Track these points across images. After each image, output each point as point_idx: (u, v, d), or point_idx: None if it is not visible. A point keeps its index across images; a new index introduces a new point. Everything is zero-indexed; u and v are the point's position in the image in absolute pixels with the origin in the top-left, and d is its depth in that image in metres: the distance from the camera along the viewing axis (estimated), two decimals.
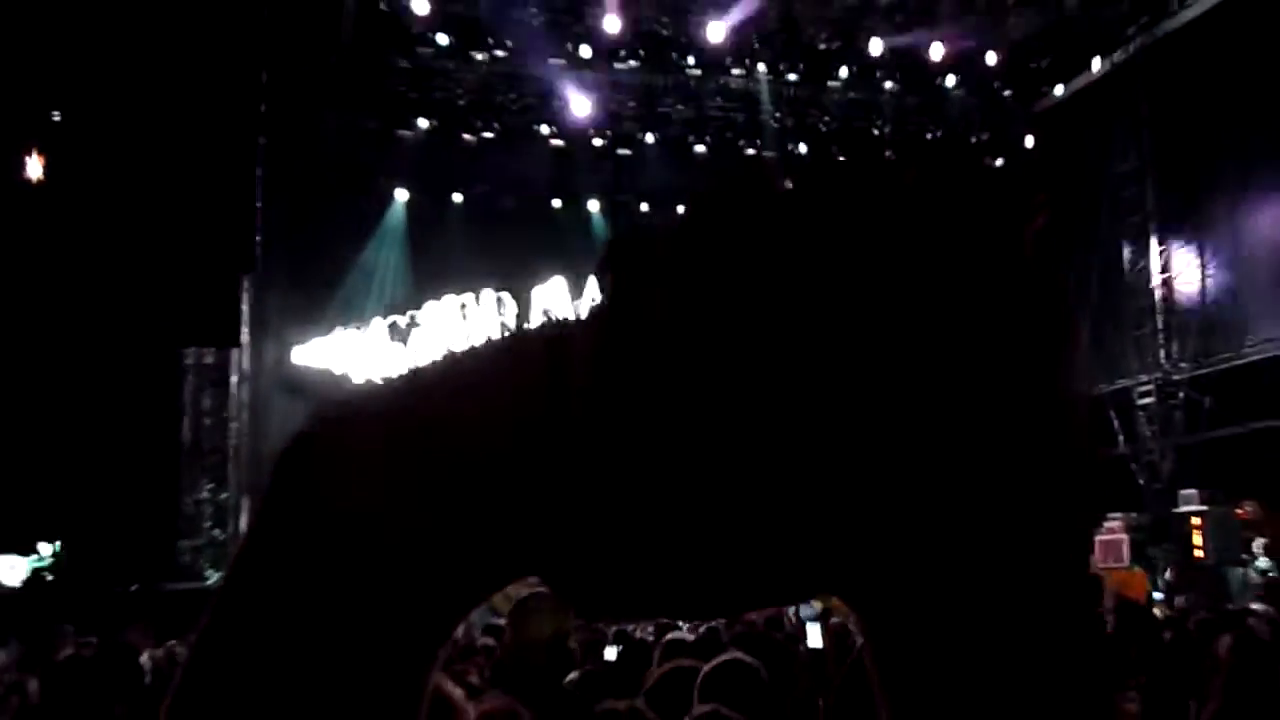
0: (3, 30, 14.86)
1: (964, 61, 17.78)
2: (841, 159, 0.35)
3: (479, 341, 0.38)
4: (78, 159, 15.76)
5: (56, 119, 15.99)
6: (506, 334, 0.37)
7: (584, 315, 0.35)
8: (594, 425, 0.33)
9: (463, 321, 16.16)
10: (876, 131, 18.71)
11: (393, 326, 16.24)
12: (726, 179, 0.35)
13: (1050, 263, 0.35)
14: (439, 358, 0.38)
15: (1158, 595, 12.29)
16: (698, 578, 0.34)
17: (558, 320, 0.36)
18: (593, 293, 0.37)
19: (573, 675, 4.25)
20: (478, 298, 16.05)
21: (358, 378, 16.31)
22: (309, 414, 0.40)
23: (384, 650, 0.37)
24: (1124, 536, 16.00)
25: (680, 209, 0.35)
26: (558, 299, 16.37)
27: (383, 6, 16.15)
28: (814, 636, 7.19)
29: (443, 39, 16.50)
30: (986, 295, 0.33)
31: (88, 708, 4.02)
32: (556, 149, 17.94)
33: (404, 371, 0.38)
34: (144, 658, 6.14)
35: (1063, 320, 0.36)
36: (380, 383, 0.39)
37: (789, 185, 0.35)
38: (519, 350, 0.36)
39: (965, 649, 0.34)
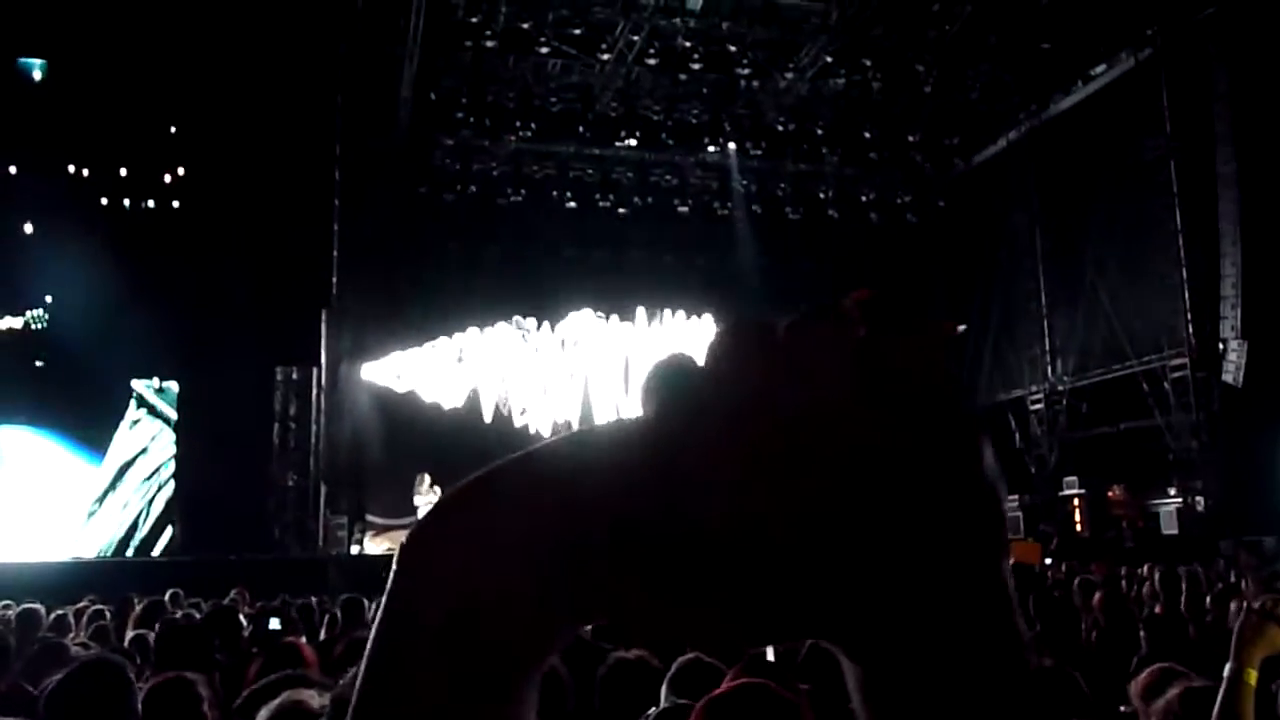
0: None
1: (890, 139, 17.88)
2: (810, 314, 0.37)
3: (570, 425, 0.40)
4: (203, 221, 15.85)
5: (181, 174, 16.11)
6: (592, 434, 0.37)
7: (645, 424, 0.36)
8: (662, 506, 0.35)
9: (504, 344, 16.20)
10: (822, 195, 18.80)
11: (444, 350, 16.25)
12: (735, 327, 0.37)
13: (959, 388, 0.38)
14: (549, 443, 0.38)
15: (1048, 560, 12.31)
16: (728, 621, 0.35)
17: (629, 426, 0.37)
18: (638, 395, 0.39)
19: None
20: (512, 325, 16.10)
21: (415, 390, 16.36)
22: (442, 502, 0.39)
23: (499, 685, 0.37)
24: (1019, 514, 16.07)
25: (706, 346, 0.37)
26: (581, 325, 16.38)
27: (431, 96, 16.22)
28: None
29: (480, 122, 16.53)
30: (919, 418, 0.36)
31: (197, 655, 4.03)
32: (570, 210, 17.97)
33: (516, 457, 0.38)
34: (241, 615, 6.14)
35: (972, 429, 0.38)
36: (495, 468, 0.38)
37: (779, 335, 0.36)
38: (607, 450, 0.36)
39: (927, 659, 0.35)
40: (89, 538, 15.63)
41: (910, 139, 17.90)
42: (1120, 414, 16.02)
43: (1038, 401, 18.00)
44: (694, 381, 0.36)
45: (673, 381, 0.36)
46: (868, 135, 17.64)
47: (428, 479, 15.63)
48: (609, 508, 0.35)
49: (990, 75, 16.35)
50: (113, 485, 15.92)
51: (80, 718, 2.49)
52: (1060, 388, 17.71)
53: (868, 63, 15.80)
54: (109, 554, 15.46)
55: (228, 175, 15.72)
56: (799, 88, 16.51)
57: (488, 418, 16.34)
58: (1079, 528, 15.64)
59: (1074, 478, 16.28)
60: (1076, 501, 15.89)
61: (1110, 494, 15.93)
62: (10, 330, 15.50)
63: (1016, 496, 16.45)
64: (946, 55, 15.71)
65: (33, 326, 15.33)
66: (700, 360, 0.37)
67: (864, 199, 19.02)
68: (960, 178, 19.37)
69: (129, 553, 15.59)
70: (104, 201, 16.13)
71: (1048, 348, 18.05)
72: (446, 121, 16.57)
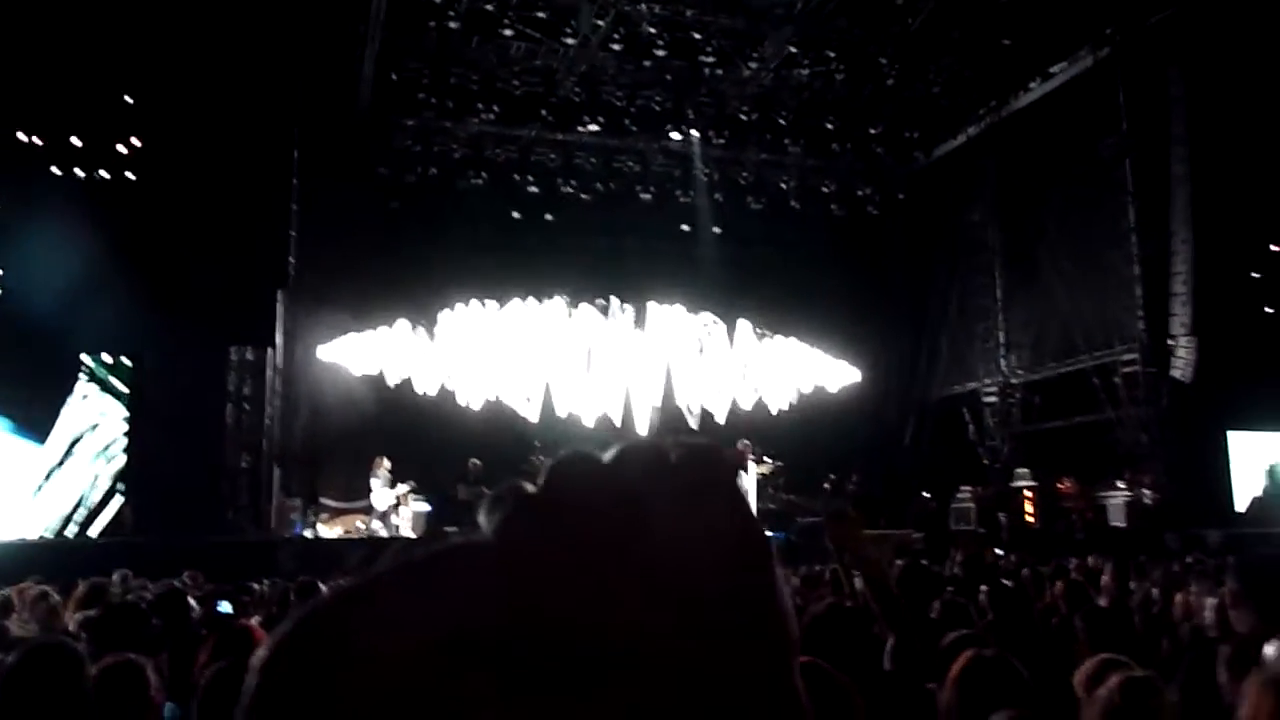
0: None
1: (852, 131, 17.96)
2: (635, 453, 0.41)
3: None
4: (158, 195, 15.57)
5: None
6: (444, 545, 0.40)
7: (488, 535, 0.39)
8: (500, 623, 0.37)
9: (461, 326, 16.10)
10: (784, 185, 18.85)
11: (400, 333, 16.11)
12: (571, 461, 0.41)
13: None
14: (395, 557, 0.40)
15: (999, 551, 12.48)
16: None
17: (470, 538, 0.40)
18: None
19: None
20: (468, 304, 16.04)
21: (371, 372, 16.20)
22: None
23: None
24: (971, 505, 16.29)
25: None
26: (539, 308, 16.33)
27: (393, 76, 16.05)
28: None
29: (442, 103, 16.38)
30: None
31: (140, 637, 3.95)
32: (532, 194, 17.86)
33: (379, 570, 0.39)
34: (190, 598, 6.07)
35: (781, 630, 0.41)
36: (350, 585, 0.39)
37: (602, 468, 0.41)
38: (455, 560, 0.39)
39: None
40: (35, 515, 15.33)
41: (872, 131, 18.00)
42: (1072, 408, 16.27)
43: (991, 394, 18.23)
44: (536, 503, 0.40)
45: (517, 501, 0.41)
46: (830, 126, 17.71)
47: (386, 463, 15.49)
48: (476, 618, 0.37)
49: (952, 70, 16.47)
50: (60, 461, 15.60)
51: (31, 701, 2.45)
52: (1014, 381, 17.95)
53: (831, 54, 15.86)
54: (55, 532, 15.18)
55: (184, 149, 15.43)
56: (762, 77, 16.52)
57: (444, 402, 16.20)
58: (1030, 519, 15.87)
59: (1025, 470, 16.52)
60: (1028, 493, 16.12)
61: (1060, 486, 16.18)
62: None
63: (970, 488, 16.66)
64: (909, 49, 15.80)
65: None
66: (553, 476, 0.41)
67: (825, 190, 19.11)
68: (921, 171, 19.53)
69: (75, 532, 15.31)
70: (56, 171, 15.76)
71: (1003, 341, 18.28)
72: (408, 102, 16.41)
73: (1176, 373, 14.76)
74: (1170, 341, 14.87)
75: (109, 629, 3.69)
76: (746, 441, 16.59)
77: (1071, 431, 16.29)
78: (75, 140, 15.80)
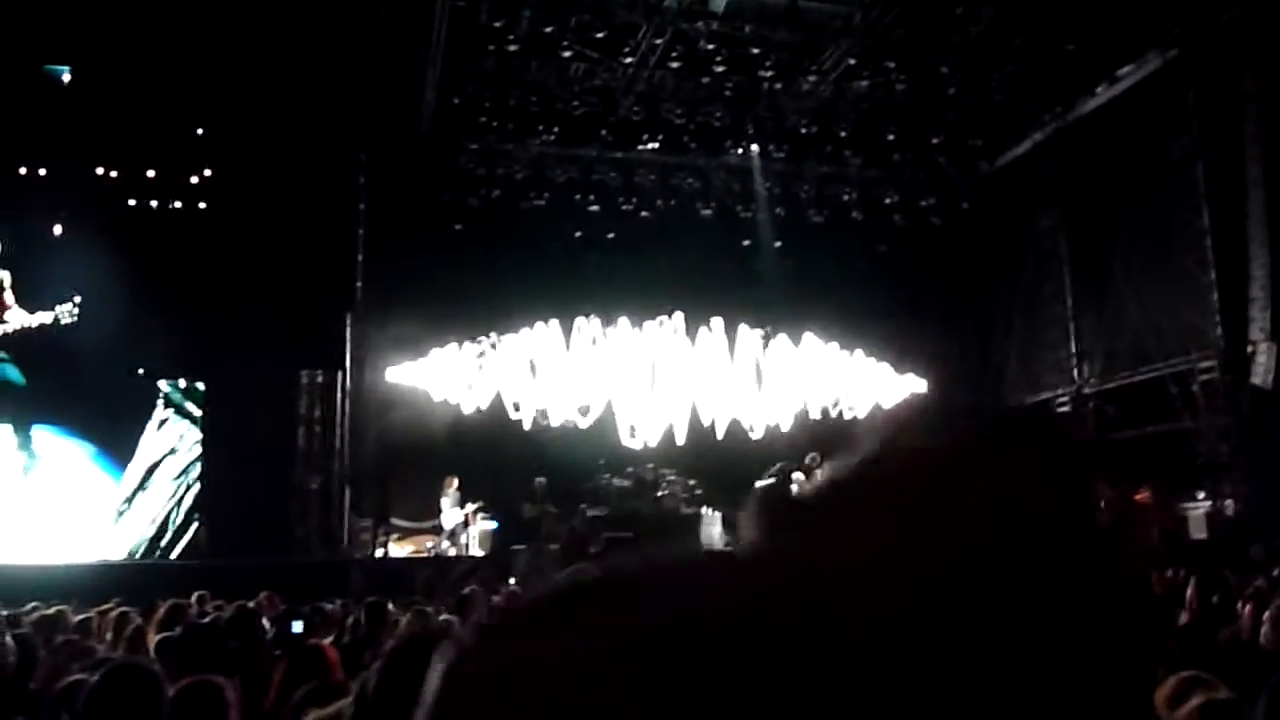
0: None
1: (914, 141, 17.79)
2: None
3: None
4: (229, 223, 15.99)
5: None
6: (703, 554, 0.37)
7: (747, 549, 0.37)
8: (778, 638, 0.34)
9: (528, 347, 16.24)
10: (845, 198, 18.72)
11: (467, 354, 16.26)
12: (840, 468, 0.37)
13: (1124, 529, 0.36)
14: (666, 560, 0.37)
15: None
16: None
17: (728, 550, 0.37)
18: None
19: None
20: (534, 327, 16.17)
21: (439, 394, 16.38)
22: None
23: None
24: None
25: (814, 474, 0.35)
26: (593, 330, 16.40)
27: (455, 101, 16.27)
28: None
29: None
30: (1072, 559, 0.36)
31: (216, 657, 4.03)
32: (593, 214, 17.96)
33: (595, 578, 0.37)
34: (264, 618, 6.16)
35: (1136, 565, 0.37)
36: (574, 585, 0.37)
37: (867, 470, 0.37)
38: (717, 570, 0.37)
39: None
40: (118, 539, 15.76)
41: (934, 141, 17.81)
42: (1148, 417, 15.87)
43: (1064, 404, 17.85)
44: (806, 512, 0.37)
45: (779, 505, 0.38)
46: (891, 137, 17.56)
47: (455, 482, 15.67)
48: (737, 624, 0.34)
49: (1015, 76, 16.24)
50: (142, 485, 16.03)
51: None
52: (1087, 390, 17.57)
53: (891, 65, 15.75)
54: (138, 555, 15.58)
55: (254, 178, 15.83)
56: (822, 90, 16.47)
57: (511, 422, 16.31)
58: None
59: None
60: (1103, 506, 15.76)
61: (1138, 498, 15.78)
62: (40, 327, 15.62)
63: None
64: (970, 57, 15.62)
65: (62, 322, 15.44)
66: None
67: (887, 201, 18.94)
68: (985, 180, 19.26)
69: (157, 554, 15.70)
70: (132, 203, 16.26)
71: (1074, 350, 17.91)
72: (470, 126, 16.62)
73: (1256, 379, 14.32)
74: (1249, 347, 14.44)
75: (188, 650, 3.77)
76: (815, 454, 16.45)
77: (1148, 441, 15.88)
78: (150, 172, 16.29)
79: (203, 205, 16.58)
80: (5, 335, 15.42)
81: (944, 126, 17.65)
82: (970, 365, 19.54)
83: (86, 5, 13.85)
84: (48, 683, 4.60)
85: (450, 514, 15.69)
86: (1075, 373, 17.81)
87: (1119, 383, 16.90)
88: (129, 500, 15.97)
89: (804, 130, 17.21)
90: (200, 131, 16.32)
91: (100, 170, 16.06)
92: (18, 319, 15.44)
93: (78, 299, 15.60)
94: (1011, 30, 15.11)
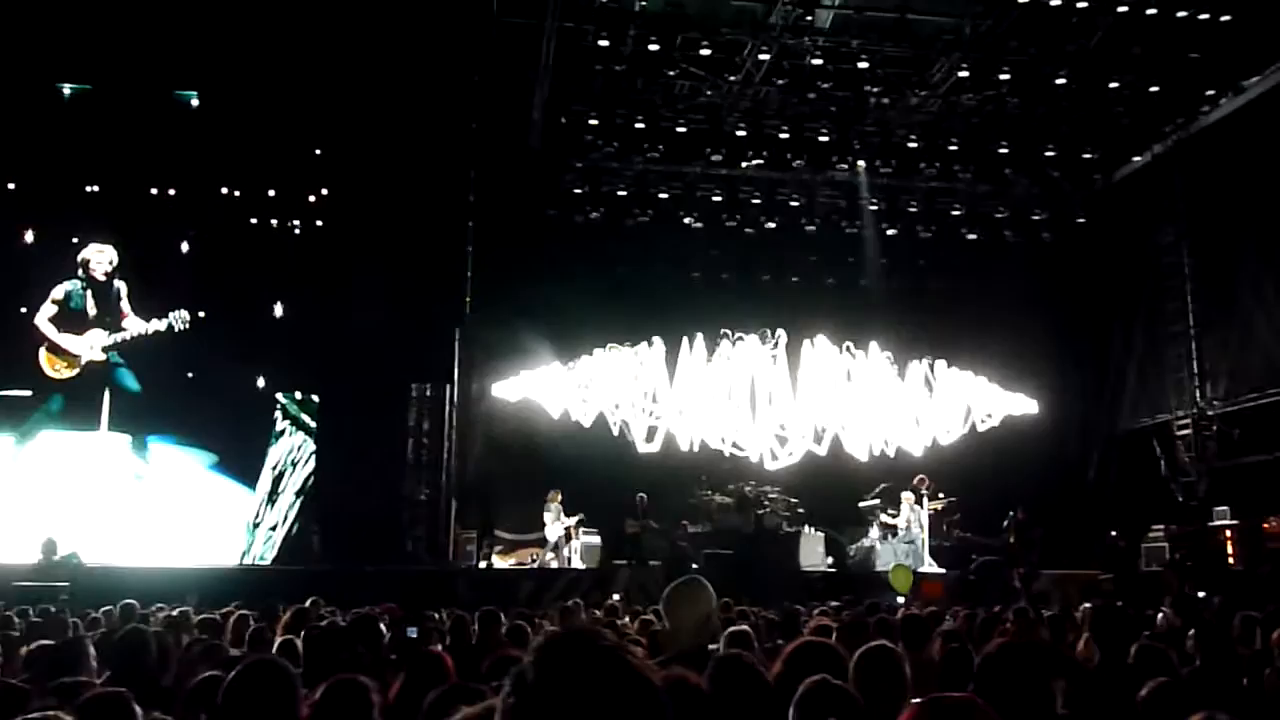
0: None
1: (1026, 155, 17.37)
2: None
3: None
4: (344, 240, 16.56)
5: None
6: None
7: None
8: None
9: (627, 363, 16.32)
10: (955, 213, 18.37)
11: (572, 370, 16.41)
12: None
13: None
14: None
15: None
16: None
17: None
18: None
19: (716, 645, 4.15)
20: (637, 345, 16.25)
21: (544, 408, 16.56)
22: None
23: None
24: (1164, 544, 15.41)
25: None
26: (696, 346, 16.36)
27: (562, 120, 16.51)
28: None
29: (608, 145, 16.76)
30: None
31: (345, 660, 4.14)
32: (696, 230, 18.01)
33: None
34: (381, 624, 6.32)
35: None
36: None
37: None
38: None
39: None
40: (235, 544, 16.35)
41: (1047, 154, 17.38)
42: (1276, 441, 15.17)
43: (1185, 427, 17.18)
44: None
45: None
46: (1003, 151, 17.19)
47: (558, 496, 15.86)
48: None
49: (1134, 87, 15.74)
50: (268, 496, 16.63)
51: (250, 714, 2.60)
52: (1210, 413, 16.87)
53: (1003, 77, 15.44)
54: (255, 561, 16.13)
55: (368, 197, 16.37)
56: (930, 104, 16.25)
57: (613, 437, 16.40)
58: (1231, 561, 14.85)
59: (1225, 508, 15.47)
60: (1228, 533, 15.09)
61: (1266, 526, 15.07)
62: (155, 333, 16.36)
63: (1163, 527, 15.75)
64: (1086, 67, 15.22)
65: (175, 329, 16.13)
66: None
67: (998, 216, 18.53)
68: (1101, 193, 18.71)
69: (272, 560, 16.24)
70: (253, 221, 16.96)
71: (1195, 370, 17.23)
72: (575, 144, 16.82)
73: None
74: None
75: (314, 651, 3.91)
76: (922, 476, 16.20)
77: (1275, 466, 15.17)
78: (270, 192, 16.98)
79: (319, 223, 17.19)
80: (123, 342, 16.18)
81: (1058, 139, 17.22)
82: (1084, 385, 18.97)
83: (212, 36, 14.50)
84: (179, 680, 4.82)
85: (553, 527, 15.89)
86: (1197, 394, 17.13)
87: (1244, 405, 16.20)
88: (258, 510, 16.58)
89: (912, 145, 16.97)
90: (318, 152, 16.94)
91: (224, 190, 16.79)
92: (135, 327, 16.22)
93: (201, 314, 16.29)
94: (1130, 39, 14.69)
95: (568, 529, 15.85)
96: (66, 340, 16.05)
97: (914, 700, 1.87)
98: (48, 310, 16.00)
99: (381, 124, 15.93)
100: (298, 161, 16.83)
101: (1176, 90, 15.84)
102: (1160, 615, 8.14)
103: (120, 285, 16.33)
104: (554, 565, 15.64)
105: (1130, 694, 3.57)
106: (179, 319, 16.00)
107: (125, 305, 16.34)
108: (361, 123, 16.06)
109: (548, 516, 15.87)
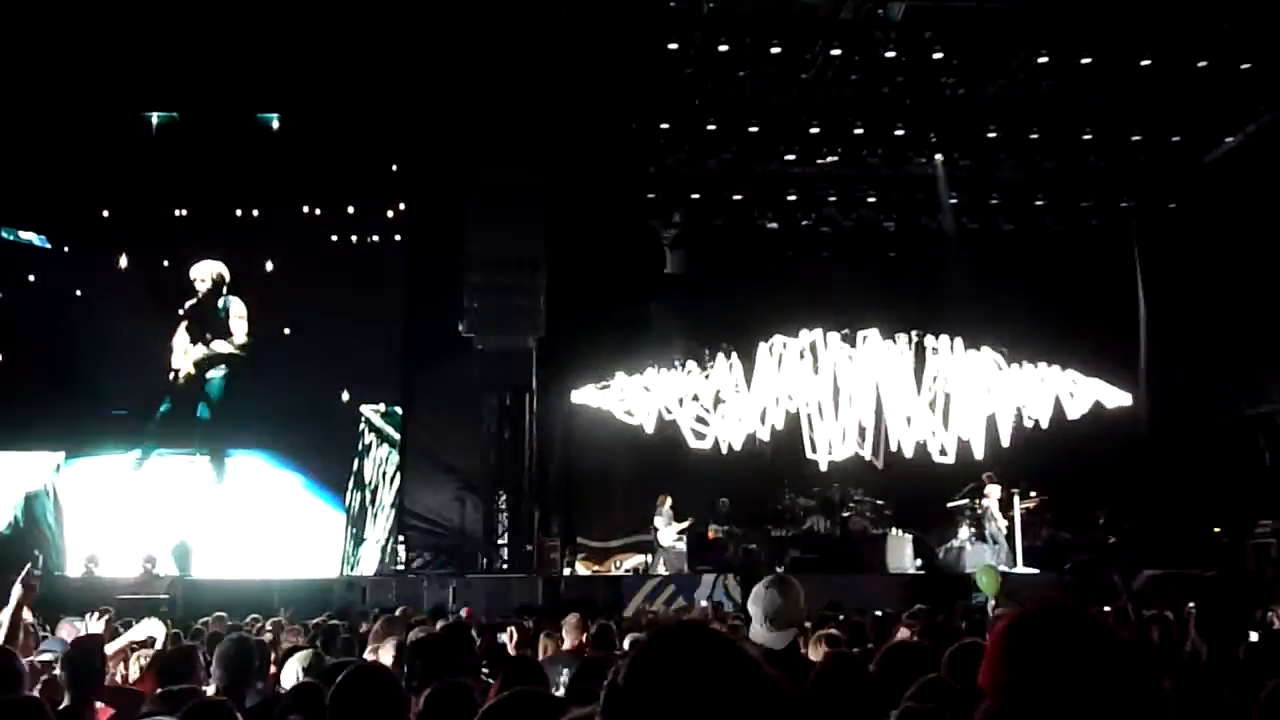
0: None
1: (1111, 141, 16.88)
2: None
3: None
4: (421, 253, 16.90)
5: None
6: None
7: None
8: None
9: (705, 375, 16.26)
10: (1039, 203, 17.96)
11: (648, 376, 16.40)
12: None
13: None
14: None
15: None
16: None
17: None
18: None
19: None
20: (714, 355, 16.18)
21: (622, 416, 16.59)
22: None
23: None
24: (1272, 540, 14.86)
25: None
26: (777, 347, 16.20)
27: (633, 125, 16.53)
28: None
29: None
30: None
31: (448, 666, 4.19)
32: (771, 231, 17.90)
33: None
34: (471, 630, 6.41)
35: None
36: None
37: None
38: None
39: None
40: (334, 558, 16.75)
41: (1134, 139, 16.87)
42: None
43: None
44: None
45: None
46: (1086, 137, 16.74)
47: (669, 501, 15.88)
48: None
49: (1227, 64, 15.18)
50: (358, 510, 17.05)
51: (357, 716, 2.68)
52: None
53: (1085, 61, 15.05)
54: (347, 572, 16.51)
55: (443, 209, 16.62)
56: (1009, 93, 15.90)
57: (693, 442, 16.35)
58: None
59: None
60: None
61: None
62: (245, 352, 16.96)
63: (1270, 522, 15.19)
64: (1174, 46, 14.75)
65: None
66: None
67: (1084, 205, 18.06)
68: (1192, 177, 18.09)
69: (367, 571, 16.59)
70: (334, 238, 17.38)
71: None
72: (648, 150, 16.82)
73: None
74: None
75: (418, 657, 4.00)
76: (989, 474, 15.87)
77: None
78: (349, 209, 17.38)
79: (398, 237, 17.53)
80: (211, 357, 16.79)
81: (1145, 123, 16.71)
82: (1182, 375, 18.36)
83: (291, 60, 14.86)
84: (277, 688, 4.97)
85: (665, 532, 15.90)
86: None
87: None
88: (347, 522, 17.01)
89: (991, 135, 16.62)
90: (394, 168, 17.26)
91: (305, 208, 17.24)
92: (219, 345, 16.88)
93: (286, 331, 16.80)
94: (1220, 15, 14.21)
95: (681, 533, 15.85)
96: (173, 354, 16.74)
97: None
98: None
99: (454, 137, 16.17)
100: (375, 177, 17.20)
101: (1271, 67, 15.25)
102: (1270, 614, 7.83)
103: (229, 301, 16.95)
104: (662, 570, 15.66)
105: (1243, 693, 3.45)
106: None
107: (233, 322, 16.94)
108: (435, 137, 16.32)
109: (659, 521, 15.95)
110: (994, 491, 15.63)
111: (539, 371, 16.68)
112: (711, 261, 17.60)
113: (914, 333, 16.23)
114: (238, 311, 17.02)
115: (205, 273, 16.90)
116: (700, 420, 16.16)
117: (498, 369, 16.45)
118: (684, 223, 17.69)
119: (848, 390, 16.02)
